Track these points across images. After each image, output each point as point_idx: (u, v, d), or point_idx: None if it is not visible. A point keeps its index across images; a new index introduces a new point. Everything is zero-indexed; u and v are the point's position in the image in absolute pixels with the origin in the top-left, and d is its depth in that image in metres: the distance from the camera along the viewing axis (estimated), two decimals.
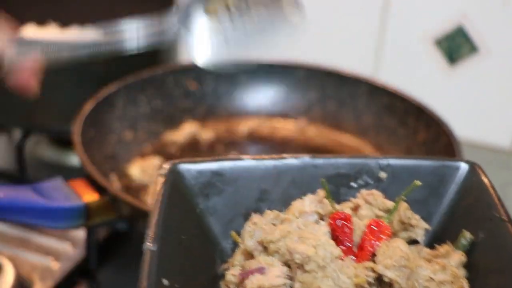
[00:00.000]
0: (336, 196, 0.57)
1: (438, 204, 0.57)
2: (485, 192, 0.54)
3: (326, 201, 0.55)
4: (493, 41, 1.12)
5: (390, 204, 0.56)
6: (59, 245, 0.88)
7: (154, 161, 0.85)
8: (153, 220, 0.50)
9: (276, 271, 0.50)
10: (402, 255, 0.50)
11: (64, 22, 1.18)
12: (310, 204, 0.55)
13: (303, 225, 0.52)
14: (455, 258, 0.52)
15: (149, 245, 0.48)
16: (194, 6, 0.71)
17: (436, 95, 1.17)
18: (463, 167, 0.57)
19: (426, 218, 0.56)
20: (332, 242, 0.50)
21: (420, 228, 0.55)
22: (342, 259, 0.50)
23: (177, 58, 1.09)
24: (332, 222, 0.53)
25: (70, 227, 0.78)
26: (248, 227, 0.54)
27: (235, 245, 0.55)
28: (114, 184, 0.88)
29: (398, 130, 0.99)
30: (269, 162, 0.57)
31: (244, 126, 1.06)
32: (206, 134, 1.03)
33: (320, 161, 0.58)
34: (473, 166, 0.57)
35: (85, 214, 0.77)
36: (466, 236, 0.53)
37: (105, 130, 0.92)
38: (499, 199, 0.53)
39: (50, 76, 0.94)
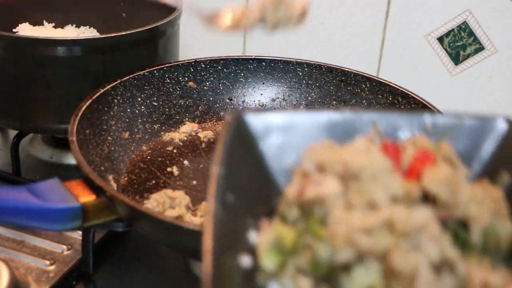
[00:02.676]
0: None
1: (478, 156, 0.63)
2: None
3: (376, 141, 0.60)
4: (499, 39, 1.11)
5: (436, 145, 0.60)
6: (55, 246, 0.87)
7: (168, 194, 0.86)
8: (218, 149, 0.55)
9: (332, 184, 0.54)
10: (447, 175, 0.54)
11: (60, 21, 1.18)
12: (361, 143, 0.59)
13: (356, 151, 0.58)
14: (490, 188, 0.56)
15: (216, 168, 0.53)
16: None
17: (441, 94, 1.16)
18: (502, 122, 0.62)
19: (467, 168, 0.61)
20: (383, 156, 0.55)
21: (461, 170, 0.59)
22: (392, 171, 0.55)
23: (175, 57, 1.08)
24: (383, 149, 0.57)
25: (66, 229, 0.78)
26: (307, 151, 0.58)
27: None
28: (111, 185, 0.87)
29: None
30: (324, 114, 0.64)
31: None
32: (205, 133, 1.02)
33: (373, 114, 0.64)
34: (511, 122, 0.62)
35: (81, 215, 0.77)
36: (505, 177, 0.58)
37: (101, 130, 0.91)
38: None
39: (46, 74, 0.93)
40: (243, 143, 0.60)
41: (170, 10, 1.04)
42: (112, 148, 0.93)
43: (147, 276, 0.85)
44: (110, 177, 0.88)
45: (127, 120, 0.97)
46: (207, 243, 0.48)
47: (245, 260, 0.52)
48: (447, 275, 0.51)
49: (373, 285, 0.50)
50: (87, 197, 0.77)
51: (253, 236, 0.54)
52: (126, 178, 0.91)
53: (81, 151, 0.82)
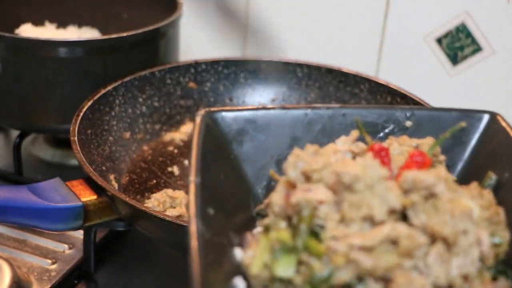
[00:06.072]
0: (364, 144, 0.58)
1: (463, 152, 0.59)
2: (507, 137, 0.56)
3: (359, 142, 0.56)
4: (497, 40, 1.11)
5: (420, 142, 0.56)
6: (57, 246, 0.87)
7: (169, 193, 0.86)
8: (193, 157, 0.51)
9: (322, 191, 0.50)
10: (446, 178, 0.50)
11: (62, 22, 1.19)
12: (343, 144, 0.55)
13: (343, 158, 0.53)
14: (485, 193, 0.53)
15: (193, 178, 0.49)
16: None
17: (439, 95, 1.17)
18: (485, 116, 0.58)
19: (450, 166, 0.57)
20: (378, 164, 0.50)
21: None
22: (388, 181, 0.50)
23: (176, 58, 1.09)
24: (372, 152, 0.54)
25: (68, 228, 0.78)
26: (291, 158, 0.53)
27: (268, 189, 0.56)
28: (112, 184, 0.87)
29: None
30: (299, 111, 0.58)
31: None
32: None
33: (348, 110, 0.59)
34: (494, 116, 0.58)
35: (83, 214, 0.77)
36: (491, 177, 0.55)
37: (102, 130, 0.92)
38: None
39: (48, 75, 0.93)
40: (217, 147, 0.55)
41: (171, 11, 1.04)
42: (114, 148, 0.93)
43: (148, 275, 0.85)
44: (112, 177, 0.89)
45: (128, 120, 0.98)
46: (195, 266, 0.44)
47: (239, 283, 0.48)
48: None
49: None
50: (88, 197, 0.77)
51: (239, 254, 0.50)
52: (127, 178, 0.92)
53: (83, 151, 0.82)
